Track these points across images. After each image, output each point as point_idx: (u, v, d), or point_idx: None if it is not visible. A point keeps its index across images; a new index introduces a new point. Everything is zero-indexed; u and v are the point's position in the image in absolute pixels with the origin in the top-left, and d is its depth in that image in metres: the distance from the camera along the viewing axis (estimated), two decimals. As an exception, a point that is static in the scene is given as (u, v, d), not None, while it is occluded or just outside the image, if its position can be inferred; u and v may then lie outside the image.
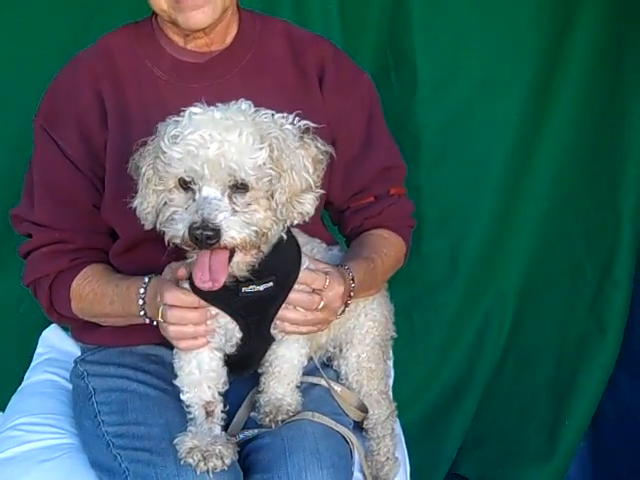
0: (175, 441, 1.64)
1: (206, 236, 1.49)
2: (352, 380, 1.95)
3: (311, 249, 1.84)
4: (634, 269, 2.52)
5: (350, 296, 1.82)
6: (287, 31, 2.00)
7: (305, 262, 1.71)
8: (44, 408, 2.04)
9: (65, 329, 2.22)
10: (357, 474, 1.93)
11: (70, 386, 2.08)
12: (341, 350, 1.95)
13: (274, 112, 1.59)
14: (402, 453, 2.12)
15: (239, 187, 1.52)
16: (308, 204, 1.59)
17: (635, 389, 2.55)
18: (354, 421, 1.96)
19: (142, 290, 1.79)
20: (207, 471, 1.61)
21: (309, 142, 1.60)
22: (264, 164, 1.52)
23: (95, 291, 1.90)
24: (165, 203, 1.58)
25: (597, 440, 2.67)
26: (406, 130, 2.52)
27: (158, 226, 1.60)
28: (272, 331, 1.74)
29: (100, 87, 1.91)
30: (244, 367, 1.82)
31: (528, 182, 2.59)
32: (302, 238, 1.79)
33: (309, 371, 1.90)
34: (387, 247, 2.00)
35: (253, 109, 1.58)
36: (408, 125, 2.54)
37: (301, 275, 1.69)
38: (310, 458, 1.60)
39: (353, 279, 1.82)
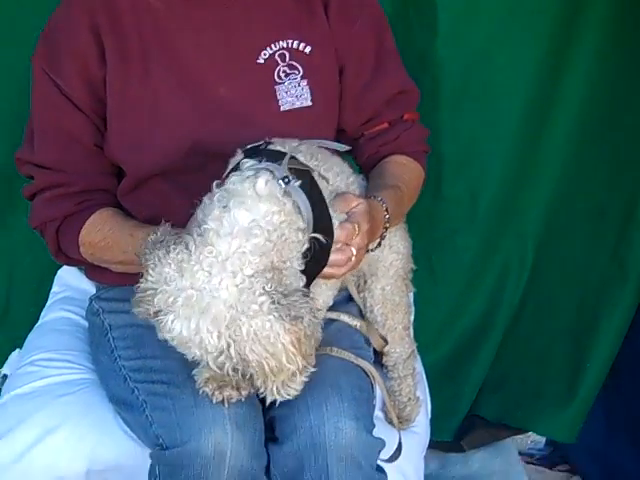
0: (193, 372, 1.62)
1: None
2: (377, 313, 1.92)
3: (346, 178, 1.78)
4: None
5: (386, 227, 1.77)
6: None
7: (335, 220, 1.62)
8: (61, 344, 2.03)
9: (80, 268, 2.20)
10: (378, 412, 1.92)
11: (86, 324, 2.07)
12: (365, 282, 1.92)
13: (263, 285, 1.47)
14: (424, 393, 2.10)
15: None
16: (294, 390, 1.51)
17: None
18: (375, 359, 1.94)
19: None
20: (222, 401, 1.59)
21: (291, 325, 1.47)
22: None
23: (107, 239, 1.87)
24: None
25: (613, 388, 2.64)
26: (426, 70, 2.45)
27: None
28: None
29: (96, 22, 1.86)
30: None
31: (550, 124, 2.52)
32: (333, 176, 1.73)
33: (334, 305, 1.86)
34: (408, 174, 1.96)
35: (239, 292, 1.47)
36: (428, 65, 2.47)
37: (335, 235, 1.62)
38: (330, 391, 1.59)
39: (387, 210, 1.77)
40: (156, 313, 1.50)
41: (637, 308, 2.54)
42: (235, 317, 1.45)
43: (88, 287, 2.16)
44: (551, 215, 2.60)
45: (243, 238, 1.48)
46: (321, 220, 1.58)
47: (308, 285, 1.59)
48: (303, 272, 1.56)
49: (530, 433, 2.92)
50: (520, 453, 2.81)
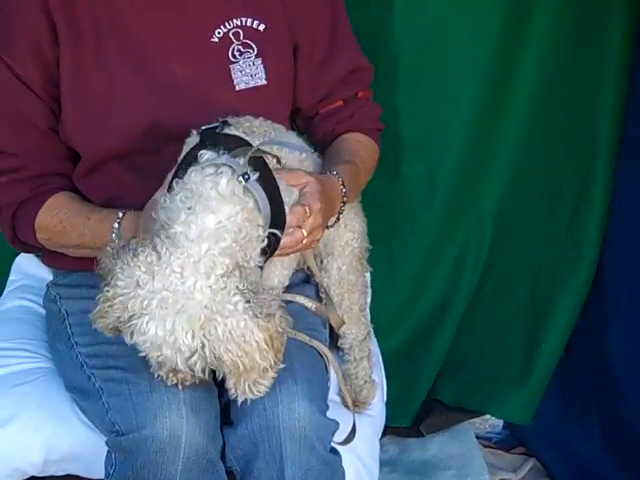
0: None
1: None
2: (334, 293, 1.93)
3: (299, 154, 1.80)
4: (610, 189, 2.50)
5: (344, 202, 1.79)
6: None
7: (286, 205, 1.64)
8: (18, 333, 2.02)
9: (38, 255, 2.19)
10: (334, 396, 1.93)
11: (44, 312, 2.06)
12: (322, 262, 1.93)
13: (237, 285, 1.50)
14: (380, 376, 2.11)
15: None
16: (264, 387, 1.53)
17: (606, 317, 2.56)
18: (331, 342, 1.95)
19: (116, 225, 1.77)
20: (177, 384, 1.60)
21: (268, 317, 1.50)
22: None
23: (63, 223, 1.87)
24: None
25: (569, 371, 2.69)
26: (382, 49, 2.45)
27: None
28: None
29: (47, 2, 1.84)
30: None
31: (506, 102, 2.53)
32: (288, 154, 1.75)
33: (290, 287, 1.88)
34: (363, 150, 1.97)
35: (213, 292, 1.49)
36: (384, 43, 2.47)
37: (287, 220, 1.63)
38: (284, 373, 1.59)
39: (344, 183, 1.79)
40: (129, 318, 1.50)
41: (591, 287, 2.58)
42: (210, 317, 1.47)
43: (46, 274, 2.15)
44: (508, 195, 2.62)
45: (212, 241, 1.50)
46: (276, 214, 1.60)
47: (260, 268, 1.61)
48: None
49: (488, 417, 2.95)
50: (478, 437, 2.83)
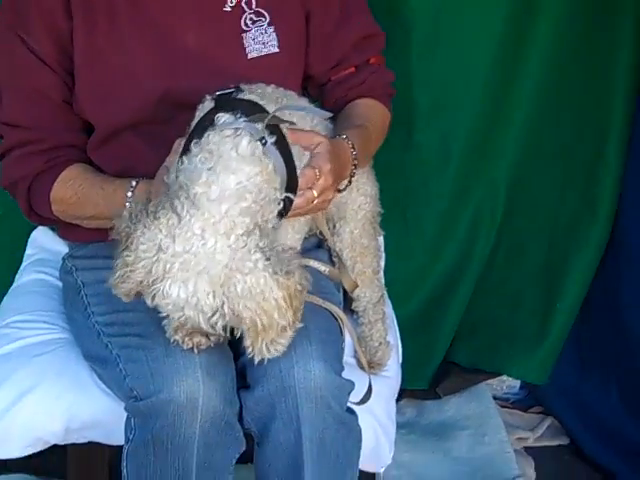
0: (163, 322, 1.64)
1: None
2: (347, 257, 1.94)
3: (311, 120, 1.81)
4: (625, 149, 2.51)
5: (355, 164, 1.80)
6: None
7: (298, 167, 1.65)
8: (36, 306, 2.05)
9: (53, 229, 2.21)
10: (350, 359, 1.94)
11: (61, 284, 2.08)
12: (334, 226, 1.95)
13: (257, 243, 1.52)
14: (394, 337, 2.13)
15: None
16: (281, 346, 1.54)
17: (621, 276, 2.57)
18: (345, 305, 1.97)
19: (130, 194, 1.79)
20: (192, 348, 1.62)
21: (284, 279, 1.51)
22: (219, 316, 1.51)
23: (78, 194, 1.89)
24: None
25: (585, 330, 2.70)
26: (398, 16, 2.47)
27: None
28: None
29: None
30: None
31: (520, 68, 2.55)
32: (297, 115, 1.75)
33: (303, 252, 1.89)
34: (374, 115, 1.98)
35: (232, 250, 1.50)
36: (399, 10, 2.48)
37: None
38: (298, 335, 1.60)
39: (354, 147, 1.80)
40: (152, 282, 1.51)
41: (606, 247, 2.59)
42: (230, 275, 1.49)
43: (61, 247, 2.16)
44: (522, 158, 2.63)
45: (232, 201, 1.51)
46: (290, 178, 1.62)
47: None
48: None
49: (505, 378, 2.97)
50: (495, 398, 2.84)
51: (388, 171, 2.12)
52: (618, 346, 2.60)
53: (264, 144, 1.57)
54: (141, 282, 1.53)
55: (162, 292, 1.51)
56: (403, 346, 2.20)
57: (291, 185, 1.62)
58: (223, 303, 1.50)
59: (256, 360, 1.55)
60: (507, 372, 2.80)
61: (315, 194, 1.66)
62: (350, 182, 1.82)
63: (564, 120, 2.58)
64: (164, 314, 1.56)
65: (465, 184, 2.66)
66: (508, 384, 3.03)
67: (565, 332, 2.64)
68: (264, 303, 1.49)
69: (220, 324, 1.52)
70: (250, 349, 1.54)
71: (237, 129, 1.57)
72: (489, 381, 2.89)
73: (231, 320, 1.52)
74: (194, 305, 1.50)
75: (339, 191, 1.79)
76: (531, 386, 2.87)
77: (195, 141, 1.59)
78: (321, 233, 1.95)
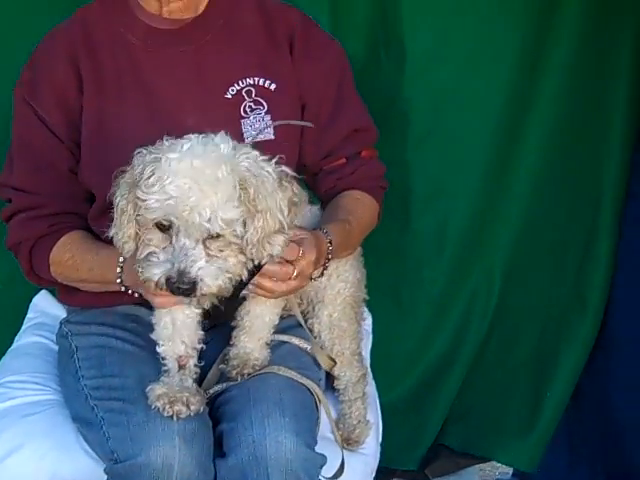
0: (147, 389, 1.71)
1: (183, 289, 1.58)
2: (325, 338, 2.00)
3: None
4: (614, 245, 2.56)
5: (328, 259, 1.88)
6: (258, 0, 2.08)
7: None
8: (31, 367, 2.12)
9: (53, 293, 2.29)
10: (329, 434, 1.98)
11: (57, 348, 2.15)
12: (314, 308, 2.00)
13: (256, 154, 1.65)
14: (375, 416, 2.16)
15: (213, 236, 1.61)
16: (278, 245, 1.64)
17: (609, 370, 2.60)
18: (327, 384, 2.03)
19: (122, 259, 1.86)
20: (172, 415, 1.67)
21: (287, 185, 1.66)
22: (237, 219, 1.60)
23: (75, 258, 1.97)
24: (143, 241, 1.64)
25: (575, 420, 2.71)
26: (395, 106, 2.55)
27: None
28: (244, 292, 1.79)
29: (76, 54, 1.99)
30: (213, 318, 1.87)
31: (515, 161, 2.60)
32: None
33: (282, 329, 1.95)
34: (361, 208, 2.07)
35: (232, 149, 1.63)
36: (397, 101, 2.56)
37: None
38: (273, 407, 1.66)
39: (331, 242, 1.88)
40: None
41: (596, 340, 2.62)
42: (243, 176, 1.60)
43: (60, 312, 2.25)
44: (516, 249, 2.67)
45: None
46: None
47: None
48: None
49: (498, 464, 2.98)
50: (487, 483, 2.86)
51: (384, 255, 2.19)
52: (607, 437, 2.60)
53: None
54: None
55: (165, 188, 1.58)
56: (394, 427, 2.23)
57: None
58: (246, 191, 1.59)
59: (259, 261, 1.65)
60: (497, 458, 2.81)
61: (294, 273, 1.74)
62: (322, 273, 1.90)
63: (557, 214, 2.63)
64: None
65: (460, 271, 2.69)
66: (501, 470, 3.04)
67: (555, 421, 2.65)
68: (272, 202, 1.61)
69: (238, 229, 1.60)
70: (254, 249, 1.62)
71: None
72: (481, 465, 2.90)
73: (249, 211, 1.60)
74: (212, 181, 1.58)
75: (312, 279, 1.86)
76: (524, 474, 2.86)
77: None
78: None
